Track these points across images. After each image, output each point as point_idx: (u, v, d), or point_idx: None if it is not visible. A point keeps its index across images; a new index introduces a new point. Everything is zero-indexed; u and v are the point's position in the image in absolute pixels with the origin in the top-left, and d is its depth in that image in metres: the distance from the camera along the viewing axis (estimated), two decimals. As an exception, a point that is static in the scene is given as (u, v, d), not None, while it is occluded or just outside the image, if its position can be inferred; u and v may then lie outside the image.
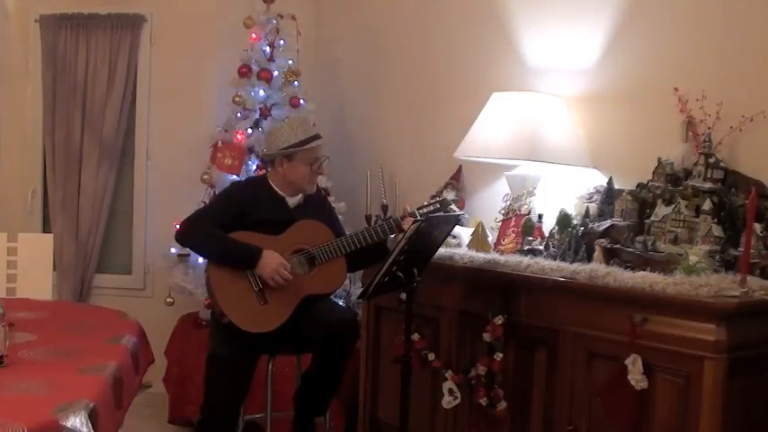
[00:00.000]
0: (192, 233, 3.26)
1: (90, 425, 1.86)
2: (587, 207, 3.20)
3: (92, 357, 2.39)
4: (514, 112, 3.39)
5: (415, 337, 3.24)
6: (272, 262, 3.16)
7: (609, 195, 3.19)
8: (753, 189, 2.64)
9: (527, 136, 3.33)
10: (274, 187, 3.36)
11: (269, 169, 3.46)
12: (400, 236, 3.05)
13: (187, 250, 4.28)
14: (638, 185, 3.10)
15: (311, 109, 4.52)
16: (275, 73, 4.50)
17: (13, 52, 5.11)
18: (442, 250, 3.19)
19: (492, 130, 3.44)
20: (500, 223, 3.45)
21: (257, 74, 4.46)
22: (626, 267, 2.74)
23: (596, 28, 3.42)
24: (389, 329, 3.52)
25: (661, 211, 2.92)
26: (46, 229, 5.04)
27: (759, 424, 2.56)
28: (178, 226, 3.31)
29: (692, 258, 2.62)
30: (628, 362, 2.57)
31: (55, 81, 4.97)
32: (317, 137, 3.34)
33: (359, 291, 3.69)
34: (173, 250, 4.41)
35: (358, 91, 4.85)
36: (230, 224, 3.22)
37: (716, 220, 2.77)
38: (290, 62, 4.55)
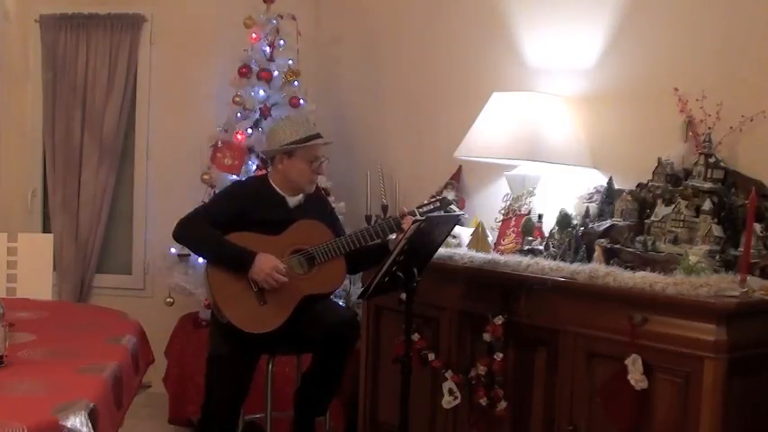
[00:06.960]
0: (189, 232, 3.25)
1: (90, 425, 1.86)
2: (587, 207, 3.20)
3: (92, 357, 2.39)
4: (514, 112, 3.39)
5: (415, 337, 3.24)
6: (266, 266, 3.15)
7: (609, 195, 3.19)
8: (753, 189, 2.64)
9: (527, 136, 3.33)
10: (275, 187, 3.36)
11: (269, 169, 3.46)
12: (400, 235, 3.05)
13: (187, 250, 4.28)
14: (638, 185, 3.10)
15: (311, 109, 4.51)
16: (275, 73, 4.49)
17: (13, 52, 5.10)
18: (441, 250, 3.19)
19: (492, 130, 3.44)
20: (500, 223, 3.44)
21: (257, 74, 4.46)
22: (626, 267, 2.74)
23: (596, 28, 3.42)
24: (389, 329, 3.51)
25: (661, 211, 2.92)
26: (46, 229, 5.03)
27: (759, 424, 2.56)
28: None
29: (692, 258, 2.62)
30: (628, 362, 2.57)
31: (55, 81, 4.97)
32: (317, 135, 3.34)
33: (359, 291, 3.69)
34: (173, 250, 4.41)
35: (358, 91, 4.85)
36: (230, 223, 3.22)
37: (716, 220, 2.77)
38: (290, 62, 4.54)
